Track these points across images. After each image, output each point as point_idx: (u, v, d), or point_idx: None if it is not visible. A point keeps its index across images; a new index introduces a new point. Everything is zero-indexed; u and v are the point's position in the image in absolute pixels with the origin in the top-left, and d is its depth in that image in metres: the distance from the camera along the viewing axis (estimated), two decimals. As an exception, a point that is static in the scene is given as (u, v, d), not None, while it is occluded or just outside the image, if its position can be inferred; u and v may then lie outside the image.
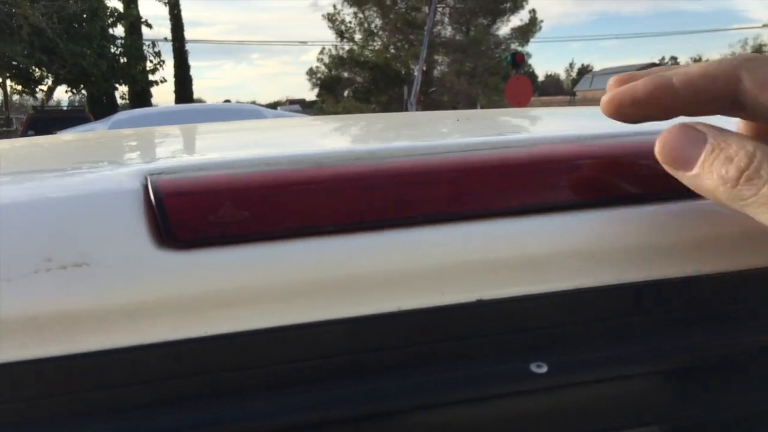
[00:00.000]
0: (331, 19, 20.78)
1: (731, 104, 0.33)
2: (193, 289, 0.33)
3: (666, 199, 0.39)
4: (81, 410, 0.31)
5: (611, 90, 0.36)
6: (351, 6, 20.49)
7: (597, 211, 0.39)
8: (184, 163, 0.40)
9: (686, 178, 0.32)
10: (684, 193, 0.34)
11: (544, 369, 0.35)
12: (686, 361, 0.37)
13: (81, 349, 0.32)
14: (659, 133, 0.33)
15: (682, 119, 0.34)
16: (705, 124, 0.32)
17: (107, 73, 12.53)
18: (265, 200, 0.36)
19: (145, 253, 0.33)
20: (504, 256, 0.37)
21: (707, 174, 0.31)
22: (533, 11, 20.76)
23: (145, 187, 0.36)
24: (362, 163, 0.39)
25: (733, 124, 0.36)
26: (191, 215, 0.35)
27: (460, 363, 0.35)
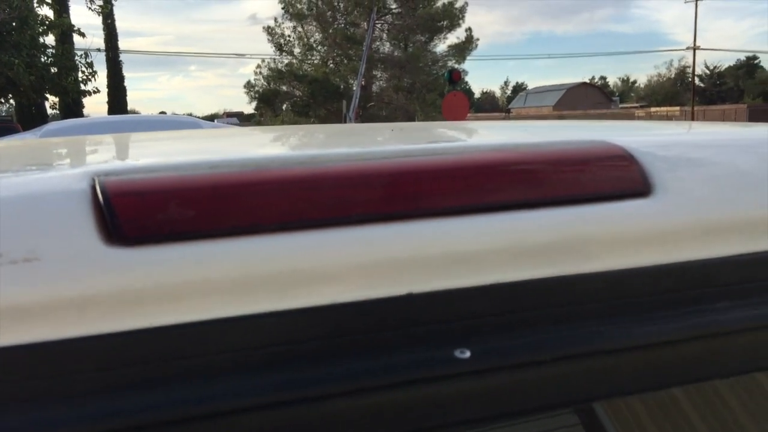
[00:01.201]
0: (270, 32, 20.70)
1: None
2: (139, 283, 0.35)
3: (574, 203, 0.44)
4: (30, 398, 0.33)
5: None
6: (291, 20, 20.46)
7: (517, 212, 0.43)
8: (130, 165, 0.42)
9: None
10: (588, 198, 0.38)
11: (467, 354, 0.38)
12: (594, 348, 0.41)
13: (31, 340, 0.33)
14: (570, 144, 0.37)
15: None
16: None
17: (36, 84, 12.13)
18: (208, 200, 0.38)
19: (94, 250, 0.35)
20: (433, 253, 0.40)
21: None
22: (469, 29, 21.18)
23: (93, 187, 0.38)
24: (302, 167, 0.41)
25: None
26: (137, 214, 0.37)
27: (391, 351, 0.38)
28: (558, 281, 0.42)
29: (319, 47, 20.97)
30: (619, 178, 0.45)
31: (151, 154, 0.67)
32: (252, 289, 0.37)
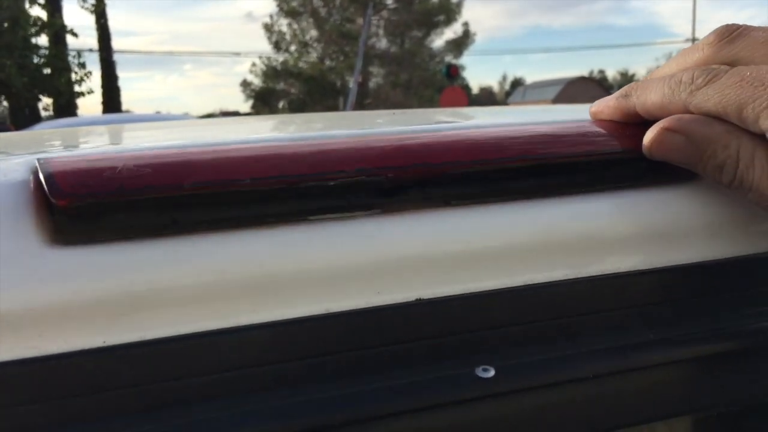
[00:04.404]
0: (269, 29, 20.65)
1: None
2: (87, 292, 0.28)
3: (619, 188, 0.37)
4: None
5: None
6: (286, 17, 20.41)
7: (551, 199, 0.36)
8: (81, 152, 0.35)
9: None
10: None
11: (491, 373, 0.32)
12: (641, 362, 0.34)
13: None
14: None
15: None
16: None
17: (29, 85, 12.03)
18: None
19: (33, 251, 0.28)
20: (447, 251, 0.34)
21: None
22: (466, 24, 21.16)
23: (35, 178, 0.31)
24: (292, 149, 0.34)
25: None
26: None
27: (399, 370, 0.32)
28: (601, 282, 0.35)
29: (315, 44, 20.93)
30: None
31: (114, 143, 0.60)
32: (230, 296, 0.30)
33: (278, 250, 0.31)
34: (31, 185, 0.31)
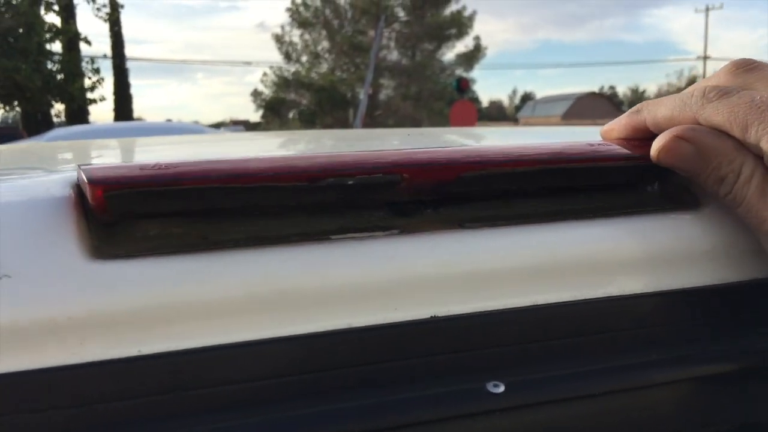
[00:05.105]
0: (279, 40, 20.75)
1: None
2: (126, 303, 0.30)
3: (626, 214, 0.39)
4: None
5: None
6: (298, 28, 20.52)
7: (560, 222, 0.38)
8: (119, 169, 0.37)
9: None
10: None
11: (501, 389, 0.33)
12: (646, 381, 0.36)
13: (4, 370, 0.28)
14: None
15: None
16: None
17: (43, 89, 12.14)
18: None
19: (74, 265, 0.30)
20: (460, 271, 0.35)
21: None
22: (478, 38, 21.20)
23: (77, 195, 0.33)
24: (312, 166, 0.36)
25: None
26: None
27: (411, 384, 0.33)
28: (609, 302, 0.37)
29: (327, 55, 21.01)
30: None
31: (150, 159, 0.62)
32: (256, 310, 0.32)
33: (302, 267, 0.33)
34: (73, 201, 0.33)
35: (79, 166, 0.34)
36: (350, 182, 0.34)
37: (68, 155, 0.60)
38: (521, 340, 0.35)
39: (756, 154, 0.35)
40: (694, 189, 0.42)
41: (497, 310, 0.35)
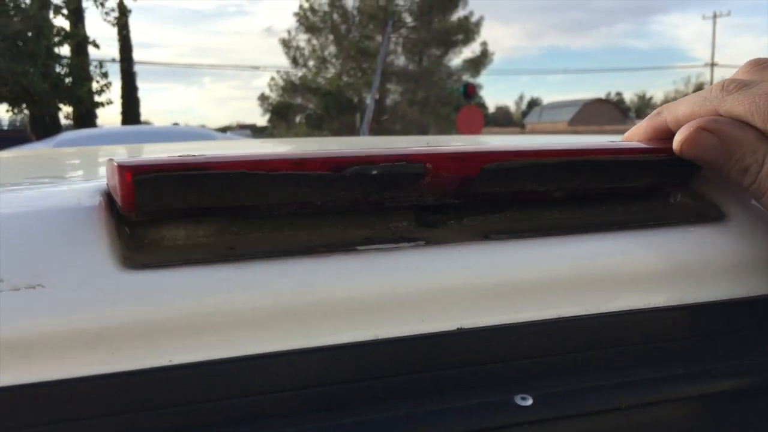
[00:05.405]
0: (286, 45, 20.81)
1: None
2: (157, 313, 0.31)
3: (651, 227, 0.39)
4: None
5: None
6: (305, 33, 20.57)
7: (589, 234, 0.38)
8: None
9: None
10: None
11: (529, 402, 0.33)
12: (680, 392, 0.36)
13: (36, 379, 0.29)
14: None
15: None
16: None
17: (51, 92, 12.21)
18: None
19: (107, 274, 0.31)
20: (486, 283, 0.35)
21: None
22: (485, 44, 21.21)
23: (108, 204, 0.33)
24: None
25: None
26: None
27: (438, 397, 0.33)
28: (635, 315, 0.37)
29: (334, 60, 21.06)
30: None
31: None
32: (285, 320, 0.32)
33: (330, 278, 0.33)
34: (104, 211, 0.33)
35: (110, 159, 0.34)
36: (374, 172, 0.34)
37: (93, 159, 0.61)
38: (548, 352, 0.35)
39: None
40: (719, 202, 0.42)
41: (524, 322, 0.35)
